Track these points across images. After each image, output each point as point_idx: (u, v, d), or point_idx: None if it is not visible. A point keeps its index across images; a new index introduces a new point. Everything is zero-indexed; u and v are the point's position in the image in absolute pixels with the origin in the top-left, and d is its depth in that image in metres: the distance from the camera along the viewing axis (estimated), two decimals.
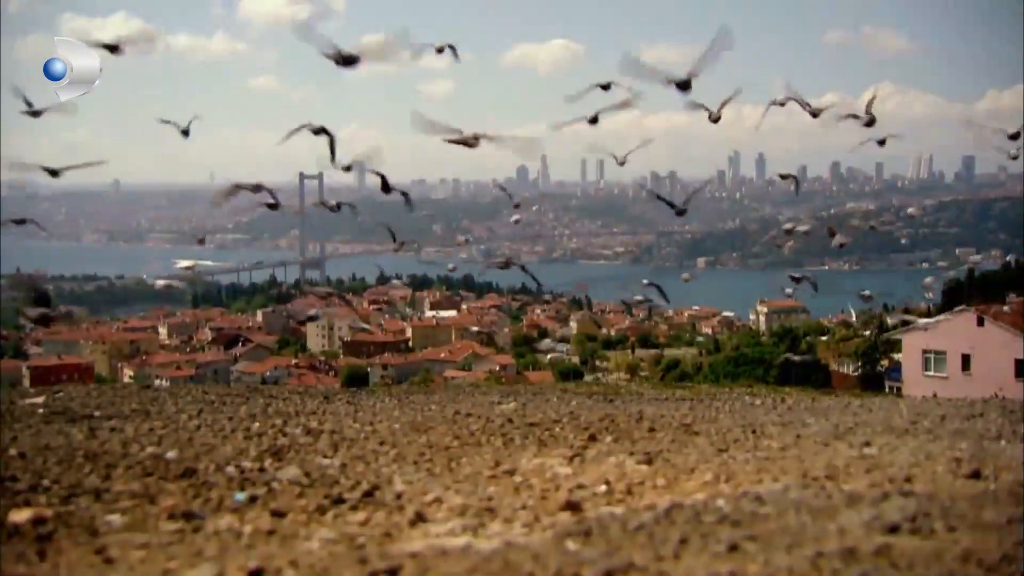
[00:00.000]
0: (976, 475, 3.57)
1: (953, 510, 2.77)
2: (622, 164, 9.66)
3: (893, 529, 2.57)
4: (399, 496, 3.44)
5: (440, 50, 7.88)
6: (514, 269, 11.74)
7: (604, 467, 4.01)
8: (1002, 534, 2.51)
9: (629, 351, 77.14)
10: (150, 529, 2.97)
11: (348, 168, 8.35)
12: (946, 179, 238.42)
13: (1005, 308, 35.56)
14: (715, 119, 7.93)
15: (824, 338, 64.71)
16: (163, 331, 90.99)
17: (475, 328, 78.42)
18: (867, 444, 4.51)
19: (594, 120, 7.84)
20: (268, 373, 63.93)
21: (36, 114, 6.35)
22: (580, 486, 3.59)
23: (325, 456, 4.32)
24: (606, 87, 7.91)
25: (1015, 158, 9.07)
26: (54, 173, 6.86)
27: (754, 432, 5.16)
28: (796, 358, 41.14)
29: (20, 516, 2.92)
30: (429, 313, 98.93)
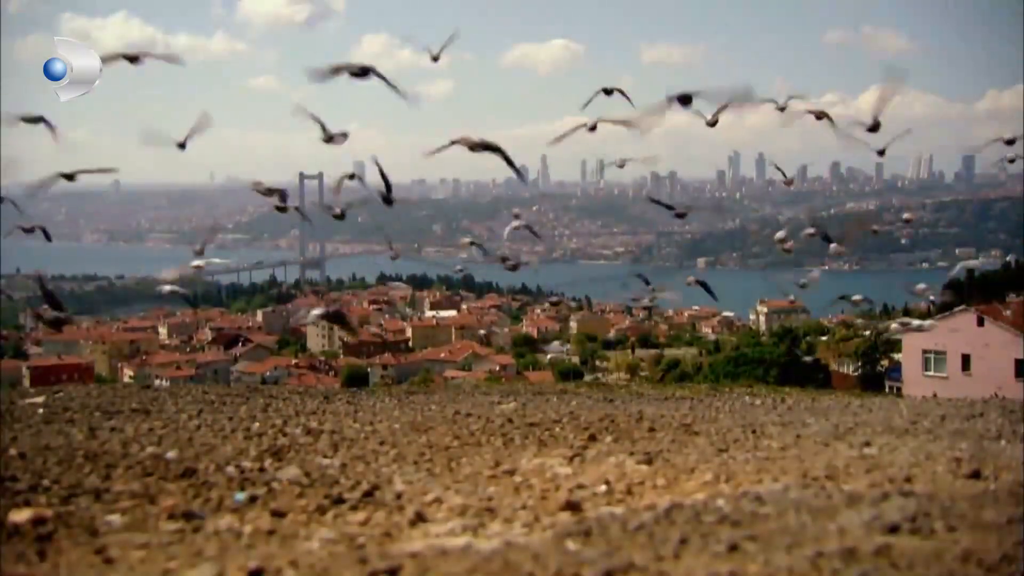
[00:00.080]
0: (976, 475, 3.57)
1: (953, 510, 2.77)
2: (621, 167, 9.73)
3: (893, 529, 2.57)
4: (399, 496, 3.44)
5: (435, 58, 7.90)
6: (522, 270, 11.74)
7: (604, 467, 4.01)
8: (1002, 534, 2.51)
9: (629, 351, 77.16)
10: (150, 529, 2.97)
11: (352, 177, 8.45)
12: (946, 179, 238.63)
13: (1007, 312, 35.54)
14: (711, 123, 7.95)
15: (824, 338, 64.66)
16: (163, 331, 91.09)
17: (482, 331, 78.60)
18: (867, 444, 4.51)
19: (593, 128, 7.96)
20: (268, 373, 63.99)
21: (36, 121, 6.36)
22: (580, 486, 3.59)
23: (325, 456, 4.32)
24: (609, 92, 8.00)
25: (1012, 162, 9.08)
26: (70, 177, 6.89)
27: (754, 432, 5.16)
28: (809, 359, 41.35)
29: (20, 516, 2.92)
30: (429, 313, 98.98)
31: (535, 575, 2.28)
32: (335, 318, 9.39)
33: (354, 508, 3.28)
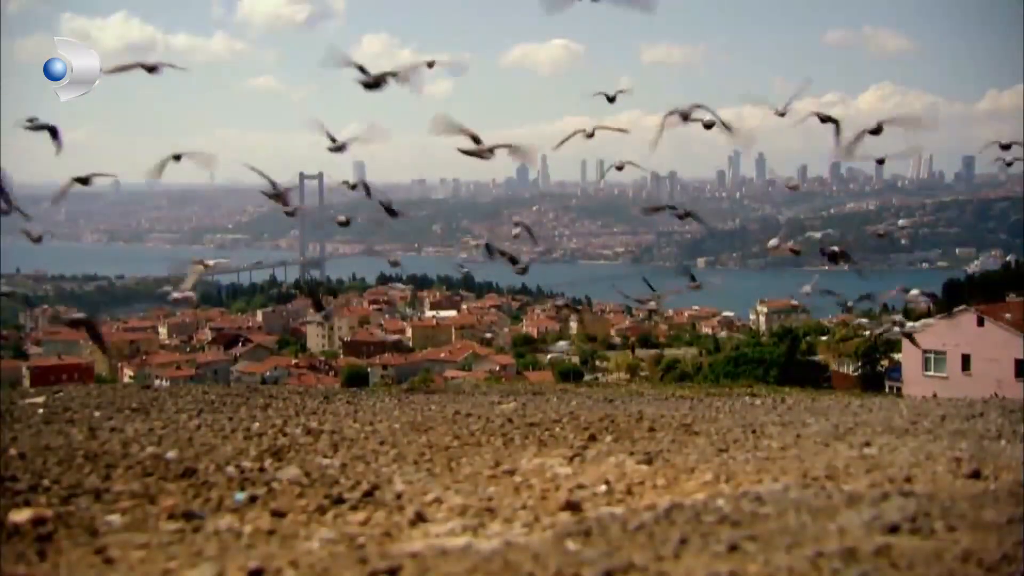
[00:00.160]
0: (976, 475, 3.57)
1: (953, 510, 2.77)
2: (620, 169, 9.76)
3: (893, 529, 2.57)
4: (399, 496, 3.44)
5: (430, 64, 7.92)
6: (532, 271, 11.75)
7: (604, 467, 4.01)
8: (1002, 534, 2.51)
9: (629, 351, 77.10)
10: (150, 529, 2.97)
11: (354, 186, 8.50)
12: (946, 179, 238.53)
13: (1007, 315, 35.55)
14: (708, 125, 7.97)
15: (824, 338, 64.60)
16: (163, 331, 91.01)
17: (488, 334, 78.69)
18: (867, 444, 4.51)
19: (591, 135, 8.04)
20: (268, 373, 63.94)
21: (36, 128, 6.35)
22: (580, 486, 3.59)
23: (325, 456, 4.32)
24: (611, 99, 8.12)
25: (1010, 164, 9.08)
26: (84, 181, 6.89)
27: (754, 432, 5.16)
28: (818, 359, 41.53)
29: (20, 516, 2.92)
30: (429, 313, 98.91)
31: (535, 575, 2.28)
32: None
33: (354, 508, 3.28)
